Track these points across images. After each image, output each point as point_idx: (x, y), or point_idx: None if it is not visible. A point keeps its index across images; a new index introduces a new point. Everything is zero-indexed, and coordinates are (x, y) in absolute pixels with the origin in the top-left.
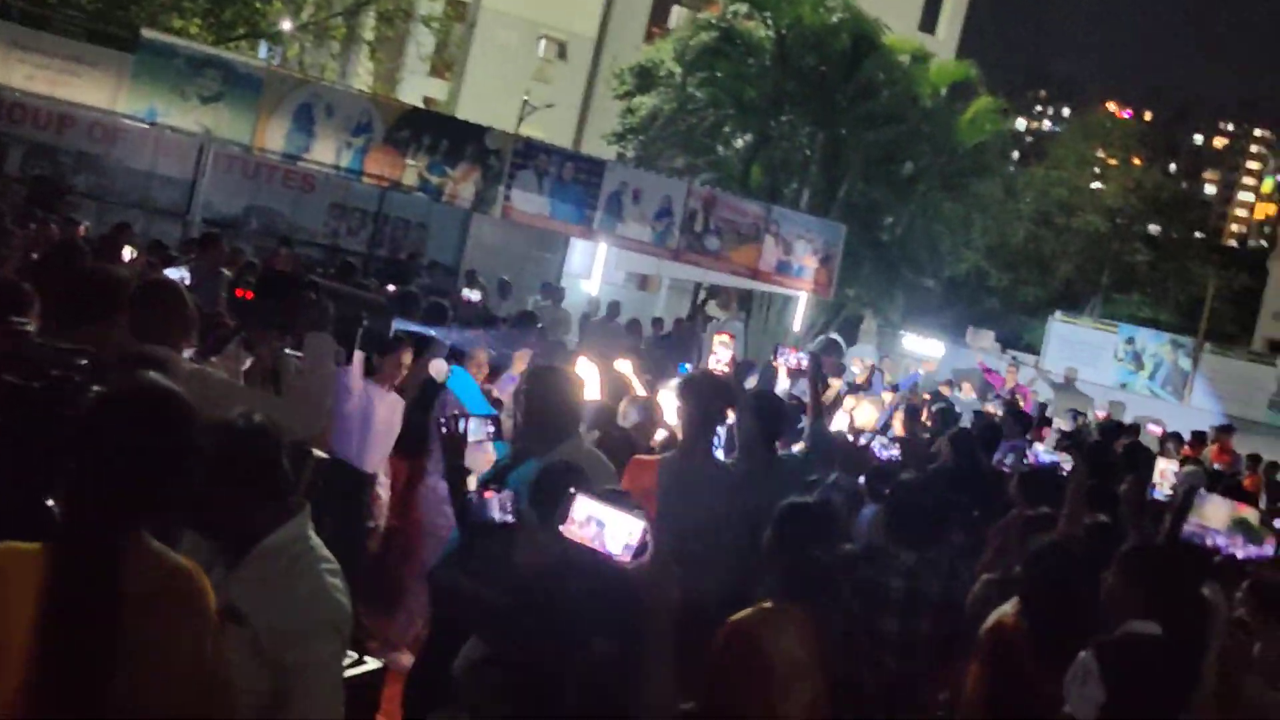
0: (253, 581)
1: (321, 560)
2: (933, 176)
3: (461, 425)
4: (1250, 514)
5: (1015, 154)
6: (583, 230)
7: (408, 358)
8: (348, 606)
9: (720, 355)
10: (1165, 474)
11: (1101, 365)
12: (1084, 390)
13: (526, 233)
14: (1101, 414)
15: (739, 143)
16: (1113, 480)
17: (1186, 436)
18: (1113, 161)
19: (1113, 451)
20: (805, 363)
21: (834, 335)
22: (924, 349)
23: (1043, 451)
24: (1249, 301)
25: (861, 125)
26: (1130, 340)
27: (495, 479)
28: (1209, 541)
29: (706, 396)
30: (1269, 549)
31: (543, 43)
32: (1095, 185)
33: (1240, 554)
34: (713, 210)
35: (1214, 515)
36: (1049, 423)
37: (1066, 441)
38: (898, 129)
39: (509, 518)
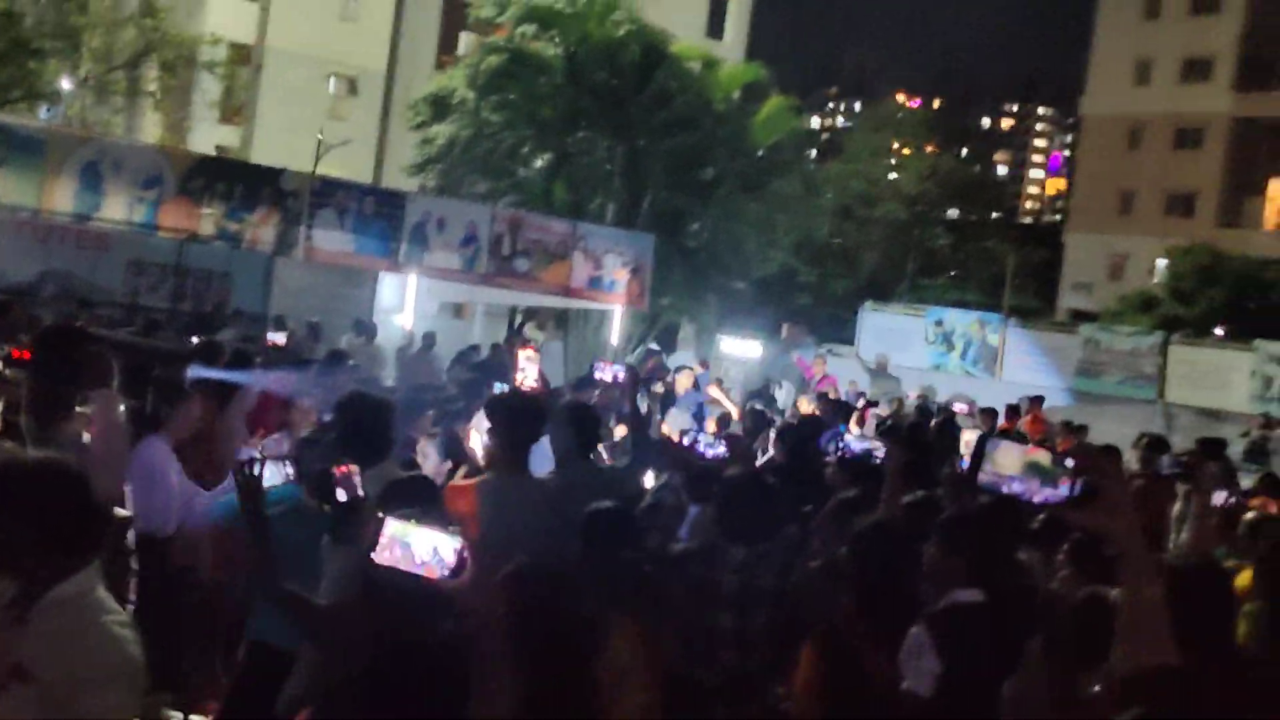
0: (42, 635)
1: (110, 612)
2: (733, 179)
3: (257, 469)
4: (1042, 456)
5: (813, 152)
6: (389, 264)
7: (197, 409)
8: (138, 658)
9: (527, 372)
10: (971, 444)
11: (914, 349)
12: (899, 374)
13: (333, 272)
14: (913, 395)
15: (539, 162)
16: (929, 459)
17: (1002, 410)
18: (907, 151)
19: (927, 431)
20: (622, 375)
21: (652, 345)
22: (741, 350)
23: (853, 439)
24: (1048, 274)
25: (658, 135)
26: (939, 322)
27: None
28: (1005, 488)
29: (516, 415)
30: (1064, 489)
31: (332, 80)
32: (892, 175)
33: (1037, 498)
34: (519, 232)
35: (1006, 462)
36: (874, 405)
37: (883, 426)
38: (694, 135)
39: (357, 493)
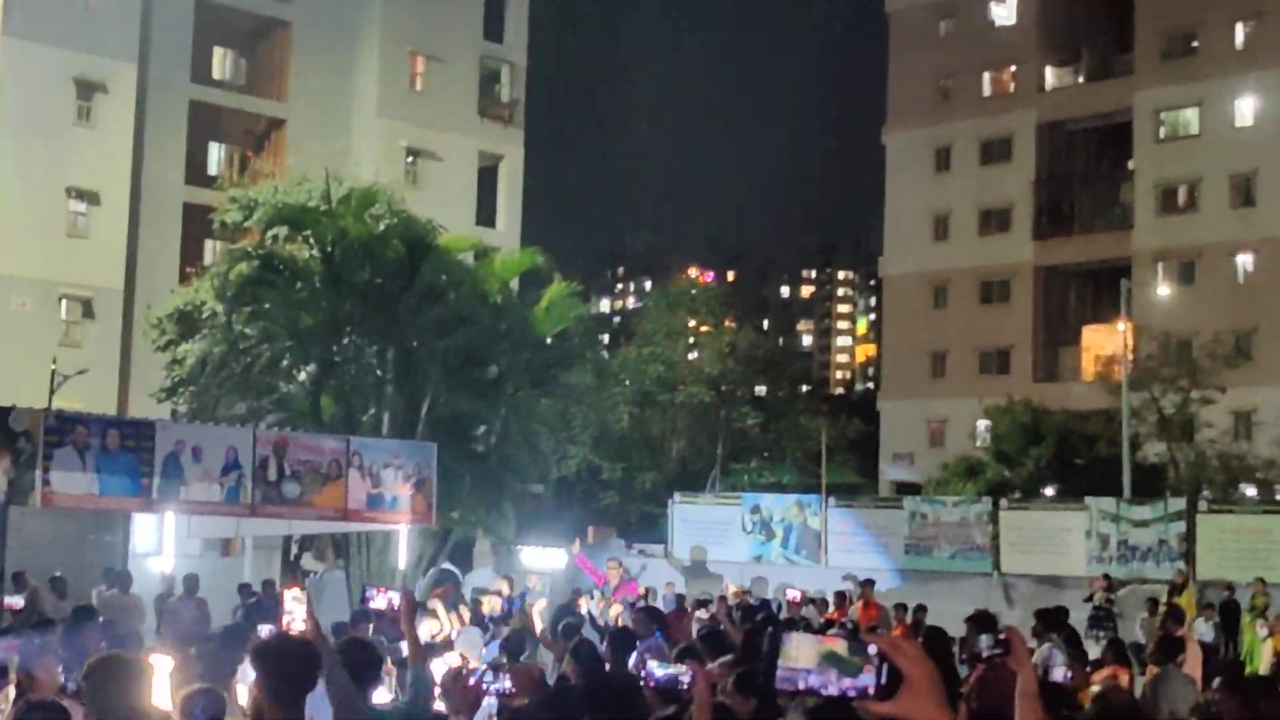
0: None
1: None
2: (519, 374)
3: None
4: (838, 645)
5: (605, 338)
6: (141, 503)
7: None
8: None
9: (295, 613)
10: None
11: (732, 540)
12: (718, 570)
13: (77, 518)
14: (733, 588)
15: (302, 375)
16: (755, 666)
17: (830, 596)
18: (705, 328)
19: (754, 635)
20: (395, 602)
21: (446, 565)
22: (543, 561)
23: (655, 667)
24: (867, 447)
25: (432, 333)
26: (755, 509)
27: None
28: (800, 683)
29: (283, 661)
30: (867, 678)
31: (64, 303)
32: (692, 356)
33: (834, 689)
34: (285, 453)
35: (801, 655)
36: (704, 604)
37: (705, 629)
38: (471, 331)
39: None
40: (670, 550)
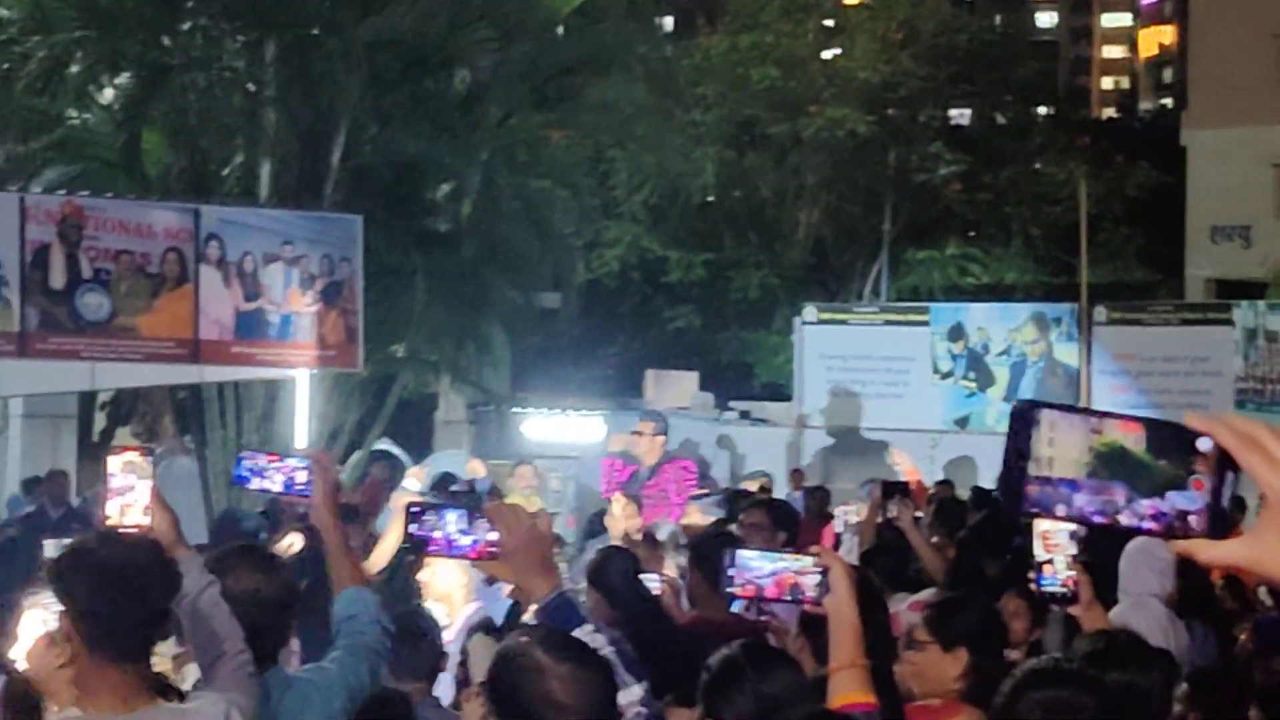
0: None
1: None
2: (511, 87)
3: None
4: (1128, 436)
5: (668, 20)
6: None
7: None
8: None
9: (132, 495)
10: (1050, 540)
11: (914, 389)
12: (883, 441)
13: None
14: (907, 467)
15: (108, 94)
16: None
17: None
18: None
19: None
20: (301, 478)
21: (384, 444)
22: (565, 433)
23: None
24: (1161, 215)
25: (346, 10)
26: (957, 331)
27: None
28: (1060, 509)
29: (103, 580)
30: (1182, 497)
31: None
32: (832, 52)
33: (1125, 518)
34: (83, 238)
35: (1058, 453)
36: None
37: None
38: (421, 4)
39: None
40: (798, 407)
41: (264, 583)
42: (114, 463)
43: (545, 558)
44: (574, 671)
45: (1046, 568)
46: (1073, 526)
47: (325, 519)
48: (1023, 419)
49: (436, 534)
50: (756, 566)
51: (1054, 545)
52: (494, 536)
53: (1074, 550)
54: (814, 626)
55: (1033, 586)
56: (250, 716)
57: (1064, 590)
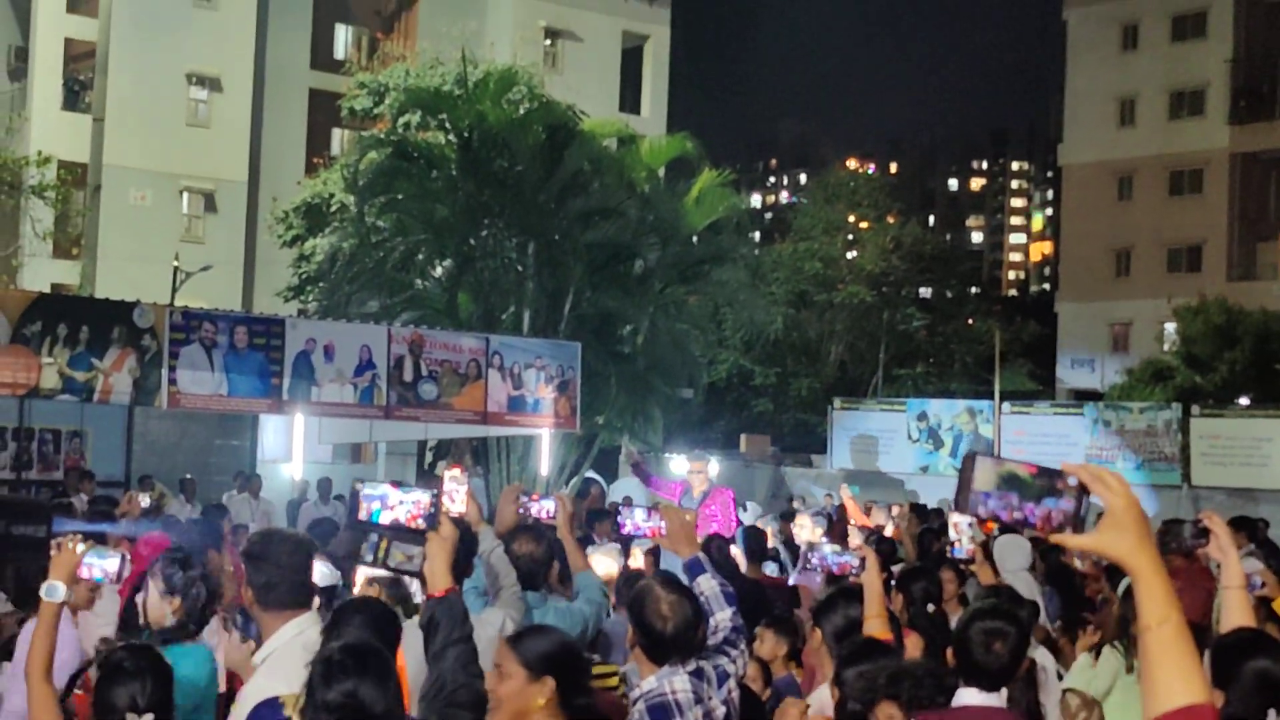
0: None
1: None
2: (667, 270)
3: None
4: (1021, 469)
5: (756, 234)
6: (271, 404)
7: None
8: None
9: (455, 495)
10: (959, 527)
11: (896, 450)
12: (881, 481)
13: (205, 420)
14: (848, 496)
15: (438, 271)
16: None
17: None
18: (865, 224)
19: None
20: (552, 511)
21: (591, 474)
22: (694, 470)
23: (830, 554)
24: (1042, 352)
25: (576, 226)
26: (922, 416)
27: None
28: (979, 509)
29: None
30: (1051, 502)
31: (186, 196)
32: (851, 254)
33: (1017, 514)
34: (422, 353)
35: (980, 476)
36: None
37: (873, 536)
38: (617, 224)
39: None
40: (829, 461)
41: (535, 548)
42: (446, 476)
43: (689, 536)
44: (674, 598)
45: (957, 544)
46: (970, 518)
47: (565, 534)
48: (968, 461)
49: (628, 521)
50: (829, 554)
51: (960, 531)
52: (662, 524)
53: (971, 534)
54: (837, 583)
55: (949, 556)
56: (519, 623)
57: (968, 558)
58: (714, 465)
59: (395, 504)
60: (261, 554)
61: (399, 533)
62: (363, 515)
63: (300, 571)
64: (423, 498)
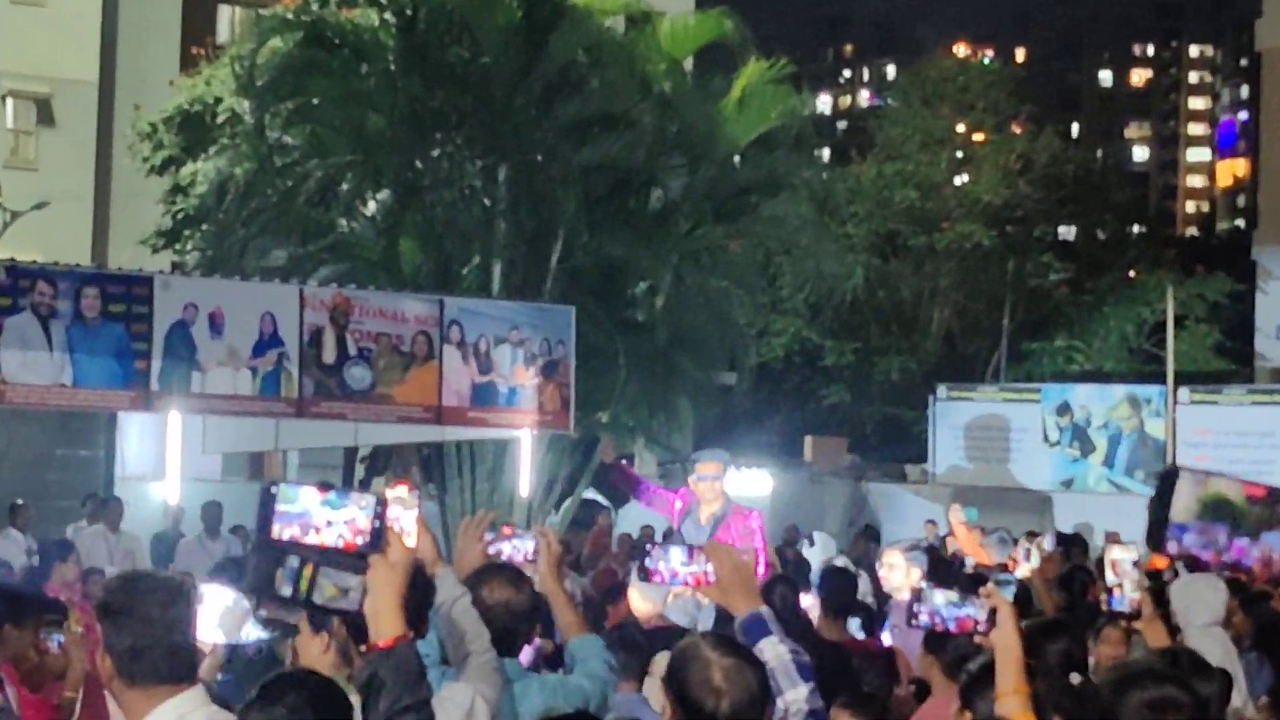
0: None
1: None
2: (698, 204)
3: None
4: (1231, 486)
5: (824, 151)
6: (134, 398)
7: None
8: None
9: (402, 523)
10: (1119, 567)
11: (1028, 457)
12: (1003, 499)
13: (41, 421)
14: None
15: (371, 206)
16: None
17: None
18: (979, 136)
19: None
20: (532, 553)
21: (592, 494)
22: (738, 488)
23: (944, 605)
24: (1236, 316)
25: (566, 142)
26: (1064, 409)
27: None
28: (1173, 546)
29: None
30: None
31: (10, 104)
32: (961, 179)
33: (1227, 555)
34: (349, 323)
35: (1178, 502)
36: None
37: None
38: (626, 138)
39: None
40: (931, 472)
41: (514, 595)
42: (389, 496)
43: (746, 584)
44: (733, 664)
45: (1116, 590)
46: (1135, 555)
47: (551, 584)
48: (1168, 479)
49: (661, 566)
50: (941, 605)
51: (1122, 572)
52: (709, 568)
53: (1136, 576)
54: (935, 643)
55: (1104, 606)
56: (494, 705)
57: (1132, 611)
58: (736, 473)
59: (321, 523)
60: (123, 606)
61: (329, 556)
62: (277, 534)
63: (178, 630)
64: (362, 512)
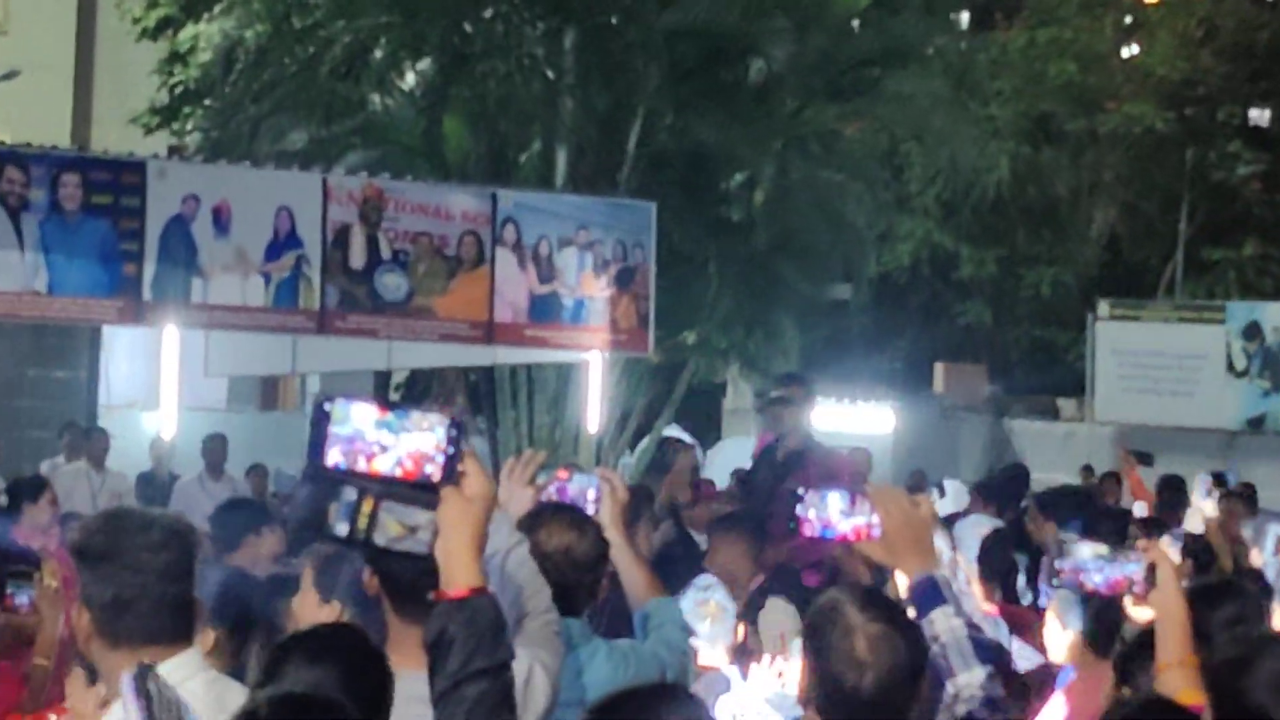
0: None
1: None
2: (807, 78)
3: None
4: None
5: (964, 14)
6: (123, 308)
7: None
8: None
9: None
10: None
11: (1208, 389)
12: (1179, 441)
13: (12, 337)
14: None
15: (410, 78)
16: None
17: None
18: None
19: None
20: (595, 498)
21: (674, 430)
22: (856, 423)
23: (1092, 561)
24: None
25: (645, 1)
26: (1253, 331)
27: None
28: None
29: None
30: None
31: None
32: (1130, 50)
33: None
34: (382, 220)
35: None
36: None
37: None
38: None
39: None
40: (1090, 408)
41: (576, 541)
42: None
43: (920, 540)
44: (881, 631)
45: None
46: None
47: (616, 536)
48: None
49: (812, 515)
50: (1089, 561)
51: None
52: (874, 519)
53: None
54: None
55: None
56: (554, 674)
57: None
58: (838, 405)
59: (374, 448)
60: (106, 550)
61: (394, 489)
62: (331, 460)
63: (173, 579)
64: (429, 435)
